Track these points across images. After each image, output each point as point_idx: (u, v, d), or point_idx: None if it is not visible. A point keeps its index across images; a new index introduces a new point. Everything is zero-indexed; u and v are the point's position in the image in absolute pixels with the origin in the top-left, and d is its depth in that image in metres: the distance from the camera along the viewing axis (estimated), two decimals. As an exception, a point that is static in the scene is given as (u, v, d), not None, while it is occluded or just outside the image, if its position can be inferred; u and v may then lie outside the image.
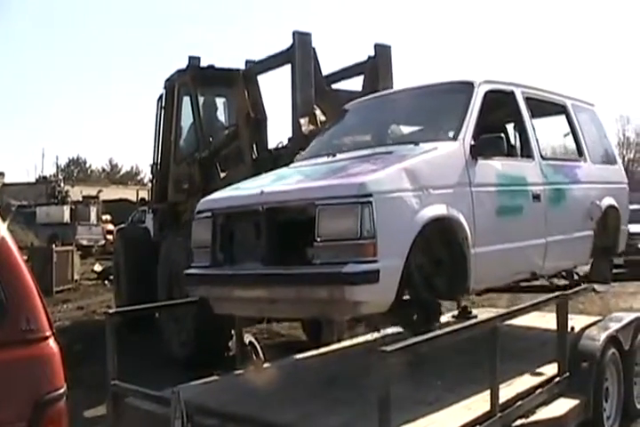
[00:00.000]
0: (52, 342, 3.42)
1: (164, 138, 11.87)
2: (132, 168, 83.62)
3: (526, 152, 6.76)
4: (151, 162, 12.62)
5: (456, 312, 8.50)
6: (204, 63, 11.03)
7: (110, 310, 6.51)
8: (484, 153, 5.88)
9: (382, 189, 5.06)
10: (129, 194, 50.45)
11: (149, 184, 16.75)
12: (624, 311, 8.40)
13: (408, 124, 6.54)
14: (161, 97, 11.98)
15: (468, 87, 6.26)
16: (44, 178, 56.46)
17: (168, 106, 11.62)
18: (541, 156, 6.79)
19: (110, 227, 33.99)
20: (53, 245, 20.50)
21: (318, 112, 8.32)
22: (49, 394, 3.32)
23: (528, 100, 6.87)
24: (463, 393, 5.09)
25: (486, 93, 6.22)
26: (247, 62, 10.80)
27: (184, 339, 9.06)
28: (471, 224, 5.63)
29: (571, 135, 7.72)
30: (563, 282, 8.27)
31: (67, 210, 36.35)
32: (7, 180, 56.39)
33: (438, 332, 4.40)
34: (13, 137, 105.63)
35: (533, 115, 6.89)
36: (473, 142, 5.87)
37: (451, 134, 5.95)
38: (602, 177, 7.79)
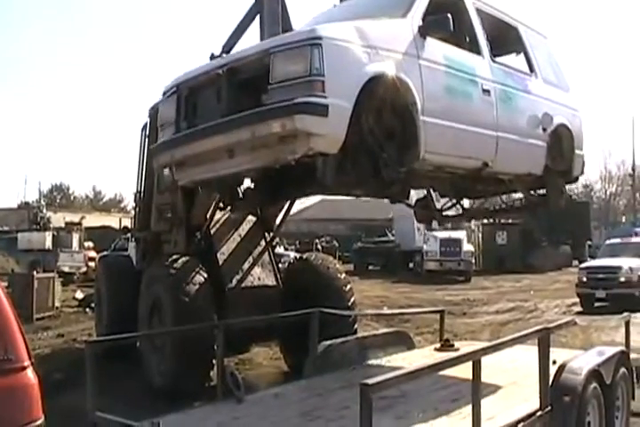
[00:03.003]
0: (30, 373, 3.38)
1: (147, 166, 11.85)
2: (115, 195, 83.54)
3: (476, 50, 7.30)
4: (135, 190, 12.60)
5: (438, 345, 8.48)
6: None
7: (90, 339, 6.47)
8: (431, 33, 6.50)
9: (332, 35, 5.69)
10: (112, 221, 50.33)
11: (132, 212, 16.70)
12: (606, 345, 8.40)
13: (360, 16, 6.78)
14: (145, 125, 11.97)
15: None
16: (27, 204, 56.14)
17: (152, 134, 11.57)
18: (491, 58, 7.40)
19: (92, 254, 33.69)
20: (34, 272, 20.28)
21: None
22: (26, 426, 3.27)
23: (479, 11, 7.49)
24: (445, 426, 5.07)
25: None
26: None
27: (164, 369, 8.97)
28: (420, 92, 6.18)
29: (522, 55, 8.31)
30: (519, 196, 9.22)
31: (49, 236, 36.05)
32: (-12, 205, 56.08)
33: (420, 365, 4.37)
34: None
35: (484, 28, 7.47)
36: (421, 23, 6.51)
37: (400, 14, 6.58)
38: (554, 97, 8.31)
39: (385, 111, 6.10)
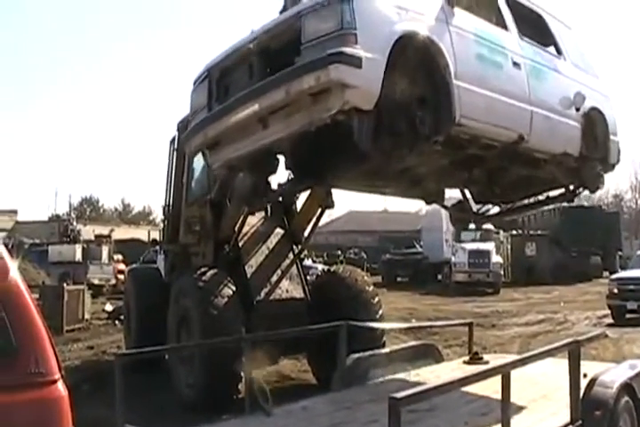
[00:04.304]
0: (60, 386, 3.40)
1: (175, 179, 11.95)
2: (144, 208, 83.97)
3: (503, 26, 7.27)
4: (163, 203, 12.69)
5: (467, 358, 8.43)
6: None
7: (119, 352, 6.50)
8: (458, 4, 6.52)
9: None
10: (141, 234, 50.54)
11: (161, 224, 16.81)
12: (638, 358, 8.30)
13: None
14: (174, 139, 12.06)
15: None
16: (57, 216, 56.64)
17: (180, 148, 11.69)
18: (519, 35, 7.36)
19: (122, 266, 33.93)
20: (65, 284, 20.48)
21: None
22: (56, 439, 3.30)
23: None
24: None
25: None
26: None
27: (192, 381, 8.99)
28: (451, 55, 6.13)
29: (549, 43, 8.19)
30: (558, 192, 8.95)
31: (79, 249, 36.32)
32: (20, 218, 56.63)
33: (449, 379, 4.34)
34: (28, 175, 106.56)
35: (510, 9, 7.46)
36: None
37: None
38: (583, 80, 8.24)
39: (418, 71, 6.09)
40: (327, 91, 5.55)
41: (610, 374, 6.01)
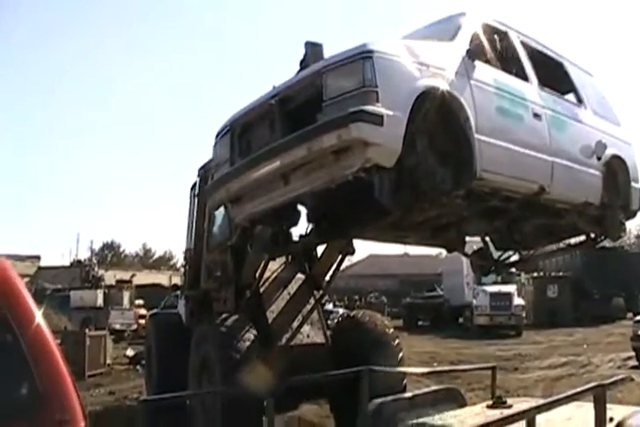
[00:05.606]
0: (85, 432, 3.42)
1: (197, 225, 12.00)
2: (165, 253, 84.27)
3: (523, 77, 7.36)
4: (184, 248, 12.73)
5: (490, 402, 8.34)
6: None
7: (141, 398, 6.50)
8: (479, 56, 6.63)
9: (383, 50, 5.75)
10: (162, 279, 50.76)
11: (182, 269, 16.88)
12: (664, 401, 8.19)
13: None
14: (194, 185, 12.16)
15: (461, 15, 7.13)
16: (79, 262, 56.97)
17: (202, 194, 11.76)
18: (539, 85, 7.45)
19: (143, 311, 34.00)
20: (86, 330, 20.58)
21: None
22: (81, 487, 3.30)
23: (524, 44, 7.63)
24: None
25: (482, 24, 7.04)
26: None
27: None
28: (472, 109, 6.19)
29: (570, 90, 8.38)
30: (579, 239, 9.15)
31: (100, 294, 36.58)
32: (42, 263, 56.99)
33: (472, 424, 4.32)
34: (49, 220, 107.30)
35: (530, 59, 7.60)
36: (468, 47, 6.61)
37: (447, 37, 6.72)
38: (605, 128, 8.29)
39: (439, 126, 6.14)
40: (349, 149, 5.57)
41: (637, 418, 5.92)
